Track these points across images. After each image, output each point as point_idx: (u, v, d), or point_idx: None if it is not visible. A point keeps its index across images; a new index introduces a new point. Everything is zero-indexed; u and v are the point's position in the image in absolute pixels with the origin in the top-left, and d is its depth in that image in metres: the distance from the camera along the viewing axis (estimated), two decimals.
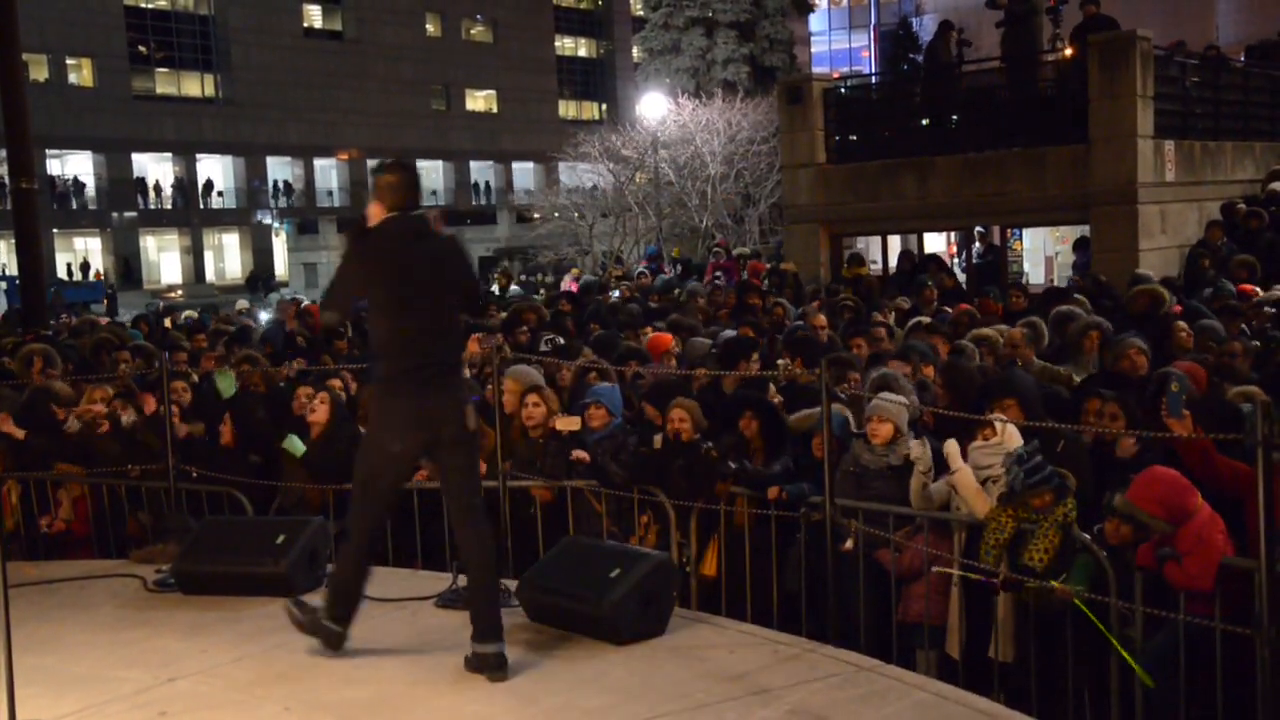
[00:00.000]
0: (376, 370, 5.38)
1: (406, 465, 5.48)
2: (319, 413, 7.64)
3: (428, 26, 62.27)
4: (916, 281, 13.16)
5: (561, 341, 9.93)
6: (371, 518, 5.45)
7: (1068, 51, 15.63)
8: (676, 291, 15.83)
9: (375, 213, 5.25)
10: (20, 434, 8.18)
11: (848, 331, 9.79)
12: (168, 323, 17.68)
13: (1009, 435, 6.05)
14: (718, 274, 19.14)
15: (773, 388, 7.72)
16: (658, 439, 6.98)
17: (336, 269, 5.53)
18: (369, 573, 5.58)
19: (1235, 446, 5.09)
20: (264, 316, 12.99)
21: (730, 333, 9.78)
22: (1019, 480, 5.49)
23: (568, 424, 7.20)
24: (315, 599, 5.60)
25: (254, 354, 10.16)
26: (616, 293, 16.99)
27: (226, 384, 8.54)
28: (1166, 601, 5.07)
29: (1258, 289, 11.13)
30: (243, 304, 22.12)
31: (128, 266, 50.82)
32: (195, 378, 9.63)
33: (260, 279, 49.81)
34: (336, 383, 8.39)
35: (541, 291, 20.70)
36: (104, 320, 19.35)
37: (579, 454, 6.95)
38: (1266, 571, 4.30)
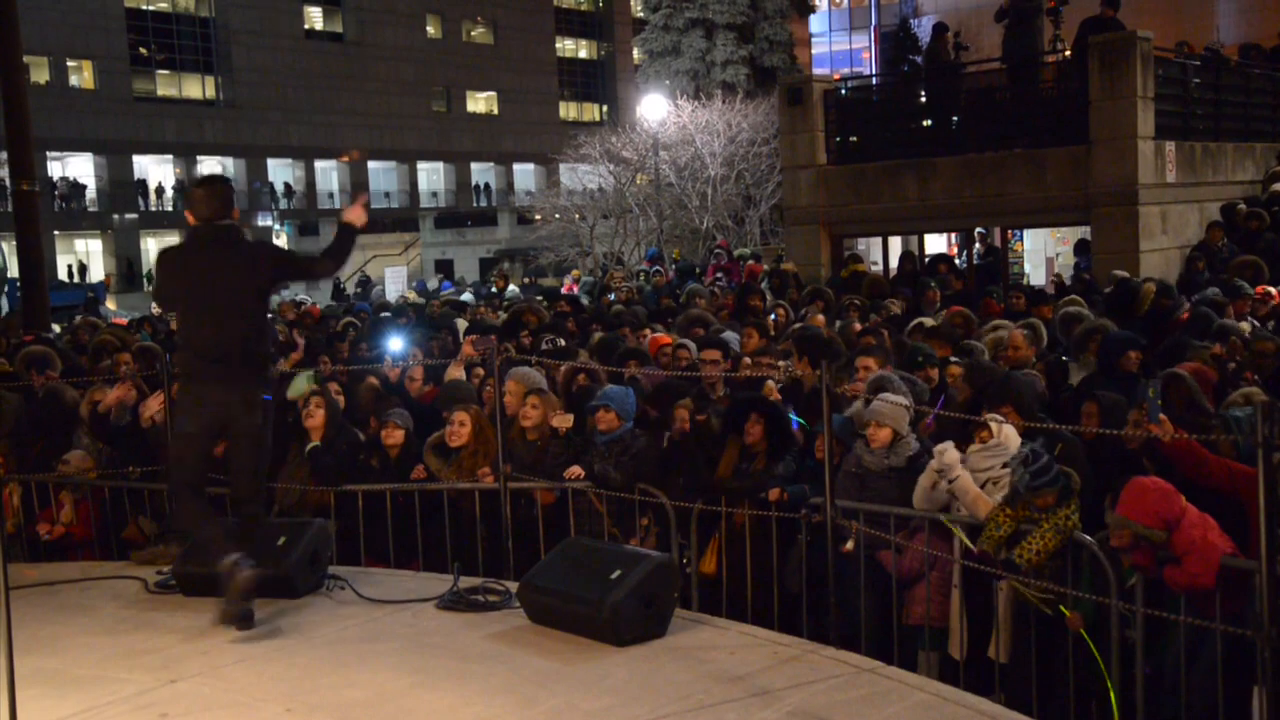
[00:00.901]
0: (178, 362, 6.00)
1: (206, 440, 5.97)
2: (316, 417, 7.63)
3: (428, 28, 62.25)
4: (920, 283, 13.16)
5: (562, 343, 9.96)
6: (191, 485, 5.93)
7: (1068, 53, 15.61)
8: (677, 293, 15.84)
9: (189, 222, 5.92)
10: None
11: (862, 333, 9.80)
12: (174, 324, 17.67)
13: (1006, 436, 6.05)
14: (719, 275, 19.16)
15: (771, 385, 7.71)
16: (665, 437, 7.00)
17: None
18: (216, 519, 6.03)
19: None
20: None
21: (732, 334, 9.77)
22: (1024, 482, 5.48)
23: (562, 421, 7.22)
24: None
25: None
26: (612, 295, 17.01)
27: (300, 386, 8.53)
28: (1167, 605, 5.08)
29: (1270, 289, 11.02)
30: None
31: (129, 268, 50.81)
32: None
33: None
34: (334, 385, 8.39)
35: (540, 299, 20.66)
36: (121, 320, 19.34)
37: (573, 470, 6.95)
38: (1267, 573, 4.31)
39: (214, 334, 5.75)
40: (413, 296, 23.61)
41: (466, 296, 19.87)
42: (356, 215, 6.12)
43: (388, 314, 15.23)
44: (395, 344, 10.71)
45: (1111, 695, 5.29)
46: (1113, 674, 5.28)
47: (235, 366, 5.76)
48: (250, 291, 5.87)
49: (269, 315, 6.58)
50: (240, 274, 5.80)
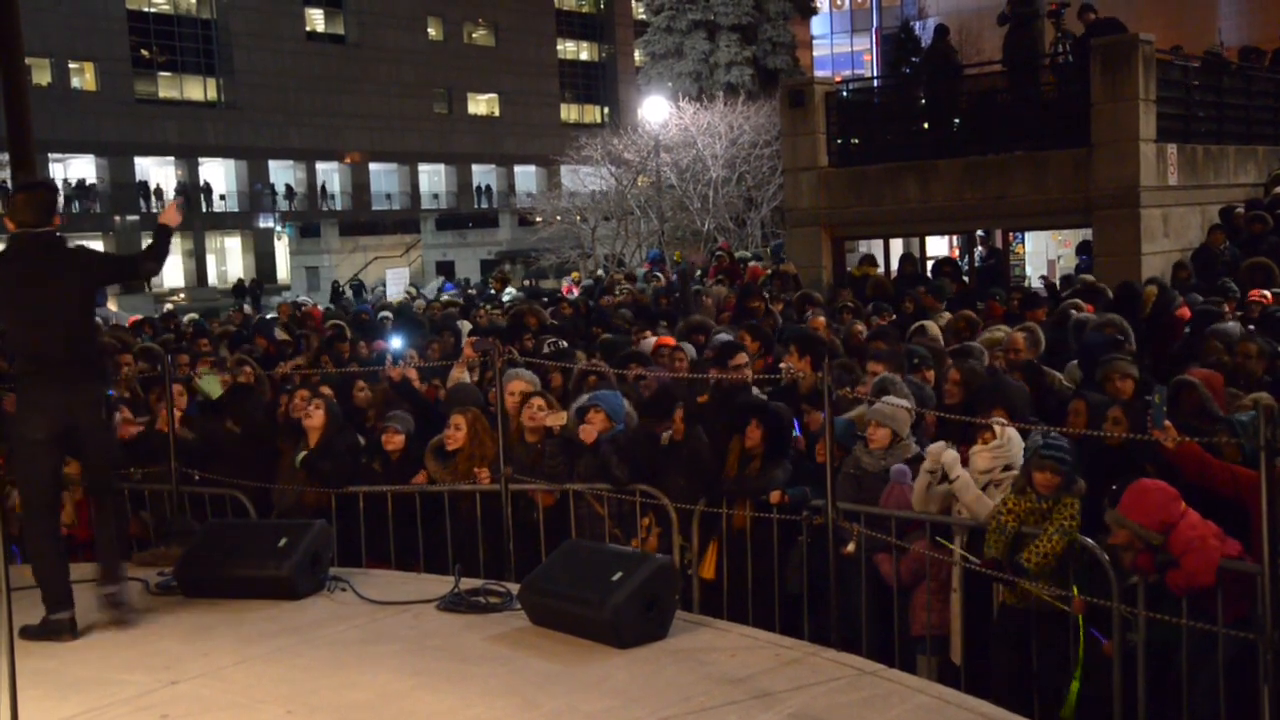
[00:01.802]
0: (14, 370, 6.01)
1: (56, 450, 5.99)
2: (314, 418, 7.62)
3: (430, 30, 62.30)
4: (927, 284, 13.14)
5: (564, 345, 9.94)
6: (44, 505, 5.96)
7: (1059, 58, 15.62)
8: (677, 295, 15.83)
9: (9, 228, 5.92)
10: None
11: (872, 335, 9.78)
12: (184, 325, 17.64)
13: (1009, 437, 6.05)
14: (720, 277, 19.13)
15: (756, 391, 7.67)
16: (665, 436, 6.98)
17: None
18: (63, 551, 6.06)
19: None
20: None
21: (727, 337, 9.75)
22: (1035, 444, 5.53)
23: (556, 419, 7.22)
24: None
25: (246, 358, 10.14)
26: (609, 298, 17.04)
27: (211, 386, 8.62)
28: (1168, 607, 5.07)
29: (1265, 292, 10.98)
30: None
31: None
32: (197, 380, 9.64)
33: (248, 288, 47.92)
34: (327, 389, 8.36)
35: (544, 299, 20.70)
36: (136, 317, 19.33)
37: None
38: (1270, 575, 4.30)
39: (43, 339, 5.87)
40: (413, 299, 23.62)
41: (452, 296, 19.89)
42: (170, 216, 6.37)
43: (387, 315, 15.20)
44: (394, 343, 10.72)
45: (1074, 690, 5.31)
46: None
47: (69, 368, 5.88)
48: (74, 296, 5.97)
49: (99, 318, 6.62)
50: (63, 280, 5.91)
